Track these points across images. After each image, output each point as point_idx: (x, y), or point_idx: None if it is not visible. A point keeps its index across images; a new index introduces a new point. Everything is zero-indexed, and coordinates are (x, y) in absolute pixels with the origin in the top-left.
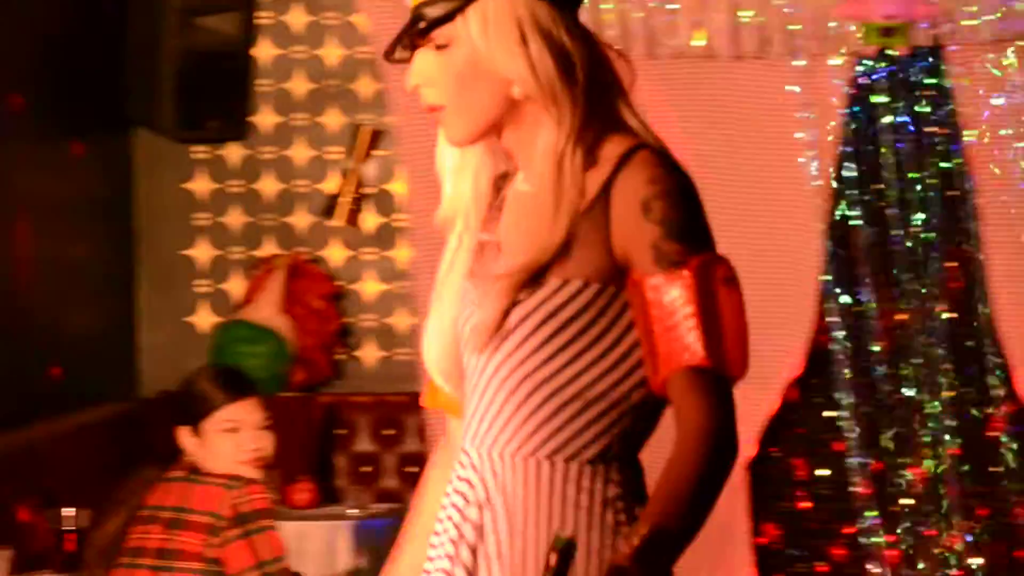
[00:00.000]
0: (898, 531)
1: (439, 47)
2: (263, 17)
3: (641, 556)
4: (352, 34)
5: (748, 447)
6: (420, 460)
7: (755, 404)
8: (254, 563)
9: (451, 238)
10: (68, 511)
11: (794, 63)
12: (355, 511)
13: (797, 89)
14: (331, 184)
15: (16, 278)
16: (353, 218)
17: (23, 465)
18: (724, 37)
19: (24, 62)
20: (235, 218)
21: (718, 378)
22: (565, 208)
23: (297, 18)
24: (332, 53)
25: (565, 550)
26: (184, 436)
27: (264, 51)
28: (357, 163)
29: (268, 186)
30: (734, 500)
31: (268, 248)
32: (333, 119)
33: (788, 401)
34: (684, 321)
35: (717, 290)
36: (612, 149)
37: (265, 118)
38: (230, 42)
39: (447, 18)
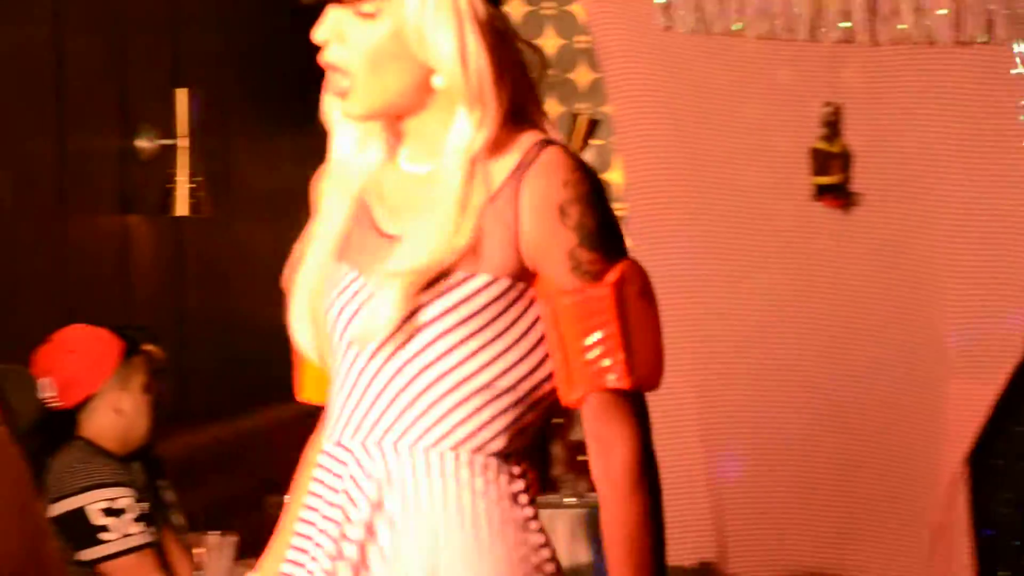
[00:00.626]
0: None
1: (364, 14)
2: None
3: None
4: (570, 23)
5: (969, 440)
6: None
7: (976, 395)
8: None
9: (328, 203)
10: (287, 498)
11: (1018, 47)
12: (572, 500)
13: (1023, 71)
14: None
15: (237, 268)
16: None
17: (245, 453)
18: (946, 22)
19: (245, 54)
20: None
21: (637, 395)
22: (473, 207)
23: (515, 8)
24: (550, 43)
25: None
26: None
27: None
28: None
29: None
30: (954, 494)
31: None
32: (550, 108)
33: (1013, 390)
34: (606, 340)
35: (635, 302)
36: (519, 141)
37: None
38: None
39: None
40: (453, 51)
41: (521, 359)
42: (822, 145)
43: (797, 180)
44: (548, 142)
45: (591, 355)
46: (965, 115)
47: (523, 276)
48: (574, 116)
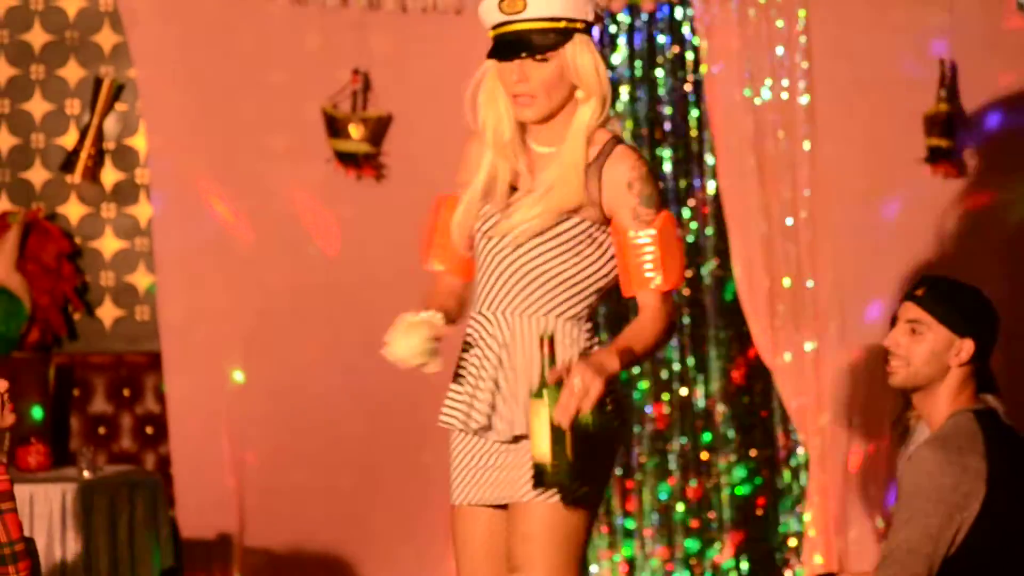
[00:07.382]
0: None
1: (540, 59)
2: None
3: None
4: None
5: None
6: (157, 421)
7: None
8: None
9: (486, 163)
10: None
11: None
12: (88, 473)
13: None
14: (70, 139)
15: None
16: (92, 174)
17: None
18: None
19: None
20: None
21: (668, 292)
22: (583, 171)
23: None
24: (72, 5)
25: (551, 339)
26: None
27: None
28: (97, 117)
29: (3, 140)
30: None
31: (2, 204)
32: (72, 72)
33: None
34: (651, 260)
35: (670, 237)
36: (600, 136)
37: (0, 71)
38: None
39: (554, 47)
40: (593, 73)
41: (593, 267)
42: (330, 109)
43: (321, 145)
44: (619, 140)
45: (642, 268)
46: None
47: (604, 222)
48: (98, 80)
